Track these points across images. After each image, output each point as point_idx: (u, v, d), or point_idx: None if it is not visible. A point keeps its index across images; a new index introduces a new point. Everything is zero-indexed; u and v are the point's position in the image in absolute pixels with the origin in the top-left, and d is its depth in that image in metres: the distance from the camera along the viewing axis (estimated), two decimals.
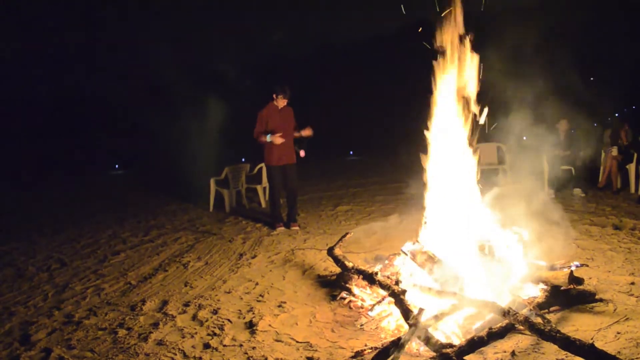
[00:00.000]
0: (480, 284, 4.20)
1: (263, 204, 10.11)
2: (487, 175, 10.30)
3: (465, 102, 4.70)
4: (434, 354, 3.35)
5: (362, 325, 4.16)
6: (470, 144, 4.73)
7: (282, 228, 8.01)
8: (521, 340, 3.65)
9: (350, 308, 4.56)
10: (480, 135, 4.77)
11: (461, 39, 4.63)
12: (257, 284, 5.42)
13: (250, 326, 4.25)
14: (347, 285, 4.85)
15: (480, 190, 4.83)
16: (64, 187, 16.37)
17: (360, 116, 28.75)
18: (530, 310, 3.83)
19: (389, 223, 7.50)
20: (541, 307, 4.01)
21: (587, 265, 5.10)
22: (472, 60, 4.68)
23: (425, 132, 4.87)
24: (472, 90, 4.71)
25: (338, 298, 4.76)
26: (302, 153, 7.86)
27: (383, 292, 4.33)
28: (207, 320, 4.43)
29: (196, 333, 4.17)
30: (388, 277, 4.60)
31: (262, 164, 9.73)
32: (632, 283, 4.70)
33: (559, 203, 8.64)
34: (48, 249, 7.60)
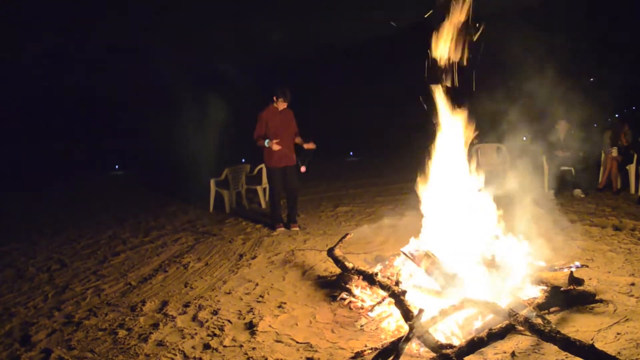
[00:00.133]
0: (480, 285, 4.21)
1: (263, 205, 10.11)
2: (487, 175, 10.30)
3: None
4: (434, 354, 3.35)
5: (362, 326, 4.16)
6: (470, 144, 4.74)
7: (282, 229, 8.01)
8: (521, 341, 3.65)
9: (350, 309, 4.56)
10: (480, 133, 4.77)
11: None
12: (257, 284, 5.42)
13: (251, 327, 4.25)
14: (347, 286, 4.85)
15: (480, 191, 4.83)
16: (64, 187, 16.35)
17: (361, 117, 28.71)
18: (531, 310, 3.83)
19: (389, 224, 7.51)
20: (541, 307, 4.02)
21: (587, 266, 5.11)
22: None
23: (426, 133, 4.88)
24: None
25: (338, 299, 4.76)
26: (302, 169, 7.85)
27: (383, 293, 4.33)
28: (207, 321, 4.43)
29: (196, 334, 4.17)
30: (388, 278, 4.59)
31: (262, 165, 9.72)
32: (632, 284, 4.70)
33: (559, 204, 8.65)
34: (48, 249, 7.59)
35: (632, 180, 9.57)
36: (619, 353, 3.38)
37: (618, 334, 3.71)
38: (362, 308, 4.51)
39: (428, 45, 4.71)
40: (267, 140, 7.58)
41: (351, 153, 23.82)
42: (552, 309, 4.15)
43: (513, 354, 3.47)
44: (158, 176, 16.86)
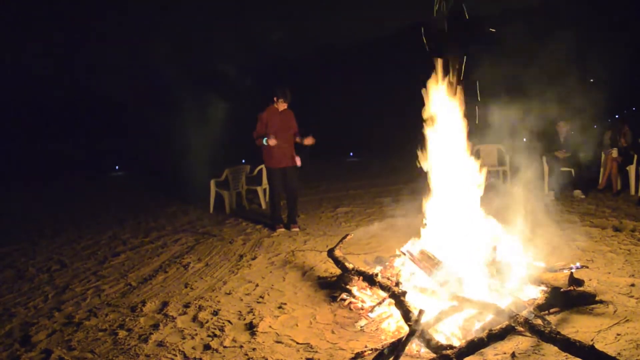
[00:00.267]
0: (480, 285, 4.21)
1: (263, 206, 10.11)
2: (487, 176, 10.30)
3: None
4: (434, 355, 3.35)
5: (362, 326, 4.15)
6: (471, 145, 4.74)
7: (282, 229, 8.01)
8: (521, 342, 3.65)
9: (350, 309, 4.55)
10: (480, 135, 4.78)
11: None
12: (257, 285, 5.42)
13: (251, 327, 4.25)
14: (348, 286, 4.85)
15: (480, 192, 4.83)
16: (65, 188, 16.35)
17: (361, 117, 28.73)
18: (531, 311, 3.83)
19: (390, 224, 7.51)
20: (541, 308, 4.01)
21: (587, 267, 5.10)
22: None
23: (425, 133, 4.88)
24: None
25: (338, 299, 4.76)
26: (298, 161, 7.84)
27: (383, 294, 4.33)
28: (207, 322, 4.42)
29: (196, 334, 4.17)
30: (388, 279, 4.59)
31: (262, 166, 9.72)
32: (632, 285, 4.70)
33: (559, 205, 8.65)
34: (48, 250, 7.59)
35: (632, 181, 9.56)
36: (619, 354, 3.38)
37: (618, 334, 3.70)
38: (362, 309, 4.50)
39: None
40: (265, 138, 7.58)
41: (351, 154, 23.83)
42: (552, 310, 4.14)
43: (513, 355, 3.47)
44: (158, 177, 16.86)
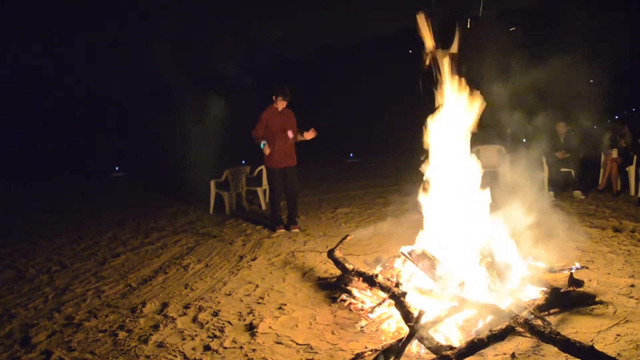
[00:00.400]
0: (480, 286, 4.21)
1: (263, 207, 10.11)
2: (487, 177, 10.30)
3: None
4: (434, 356, 3.35)
5: (362, 327, 4.15)
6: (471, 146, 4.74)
7: (282, 230, 8.01)
8: (521, 343, 3.65)
9: (350, 310, 4.55)
10: (480, 137, 4.78)
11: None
12: (257, 286, 5.42)
13: (251, 328, 4.25)
14: (348, 287, 4.85)
15: (480, 193, 4.83)
16: (64, 188, 16.35)
17: (361, 118, 28.74)
18: (530, 312, 3.83)
19: (389, 225, 7.51)
20: (541, 309, 4.01)
21: (587, 268, 5.10)
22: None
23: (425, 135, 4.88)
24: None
25: (338, 300, 4.76)
26: (310, 134, 7.82)
27: (383, 294, 4.32)
28: (207, 323, 4.42)
29: (196, 335, 4.17)
30: (388, 279, 4.59)
31: (263, 166, 9.73)
32: (632, 285, 4.70)
33: (559, 205, 8.65)
34: (48, 251, 7.59)
35: (631, 181, 9.56)
36: (618, 354, 3.38)
37: (618, 335, 3.70)
38: (362, 309, 4.50)
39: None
40: (262, 143, 7.59)
41: (351, 154, 23.82)
42: (552, 311, 4.14)
43: (513, 356, 3.47)
44: (158, 178, 16.86)
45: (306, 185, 12.50)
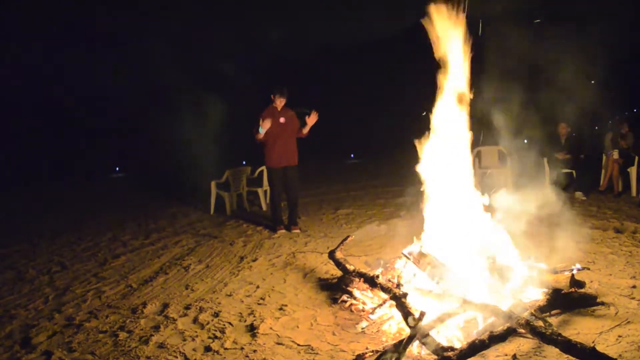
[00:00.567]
0: (481, 287, 4.20)
1: (264, 207, 10.10)
2: (489, 178, 10.30)
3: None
4: (435, 357, 3.35)
5: (363, 328, 4.15)
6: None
7: (283, 231, 8.00)
8: (522, 344, 3.64)
9: (351, 311, 4.54)
10: (482, 137, 4.78)
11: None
12: (258, 287, 5.41)
13: (251, 329, 4.25)
14: (348, 288, 4.84)
15: (481, 194, 4.83)
16: (65, 189, 16.36)
17: (362, 118, 28.72)
18: (532, 313, 3.81)
19: (390, 226, 7.50)
20: (542, 310, 4.00)
21: (589, 269, 5.10)
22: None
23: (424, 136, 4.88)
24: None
25: (339, 301, 4.75)
26: (313, 117, 7.75)
27: (384, 295, 4.31)
28: (208, 323, 4.42)
29: (197, 336, 4.17)
30: (389, 280, 4.58)
31: (263, 167, 9.73)
32: (634, 286, 4.68)
33: (560, 206, 8.63)
34: (48, 251, 7.60)
35: (633, 182, 9.55)
36: (620, 356, 3.37)
37: (619, 336, 3.69)
38: (363, 310, 4.49)
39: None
40: (260, 128, 7.57)
41: (352, 155, 23.81)
42: (553, 312, 4.13)
43: (514, 357, 3.46)
44: (158, 178, 16.86)
45: (307, 186, 12.49)
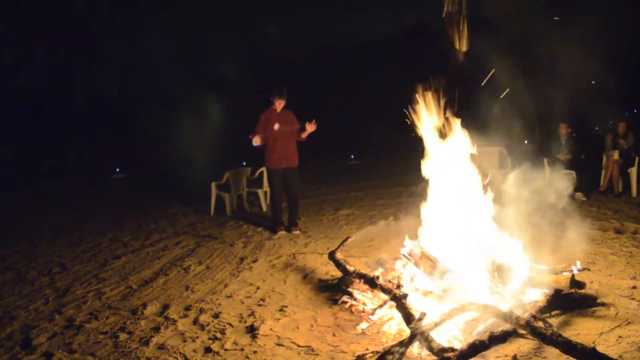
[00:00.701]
0: (481, 288, 4.19)
1: (264, 208, 10.09)
2: (489, 178, 10.27)
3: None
4: (436, 358, 3.35)
5: (363, 329, 4.15)
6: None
7: (283, 232, 8.00)
8: (523, 345, 3.64)
9: (351, 312, 4.54)
10: (481, 138, 4.78)
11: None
12: (258, 288, 5.41)
13: (252, 330, 4.25)
14: (349, 289, 4.84)
15: (481, 194, 4.82)
16: (65, 190, 16.34)
17: (362, 119, 28.73)
18: (532, 314, 3.80)
19: (391, 227, 7.49)
20: (543, 311, 4.01)
21: (589, 269, 5.10)
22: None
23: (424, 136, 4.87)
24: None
25: (339, 302, 4.75)
26: (311, 127, 7.73)
27: (384, 296, 4.32)
28: (208, 325, 4.42)
29: (197, 337, 4.17)
30: (389, 281, 4.59)
31: (263, 168, 9.72)
32: (634, 287, 4.69)
33: (560, 207, 8.62)
34: (49, 252, 7.59)
35: (633, 183, 9.55)
36: (620, 356, 3.37)
37: (620, 337, 3.69)
38: (363, 311, 4.49)
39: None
40: (253, 138, 7.58)
41: (352, 156, 23.78)
42: (553, 312, 4.13)
43: (515, 358, 3.46)
44: (159, 179, 16.85)
45: (307, 187, 12.47)
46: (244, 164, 11.67)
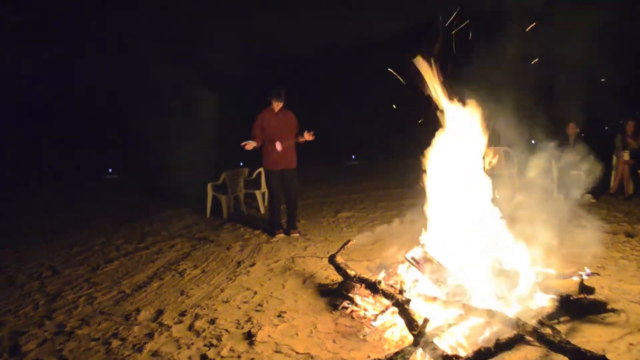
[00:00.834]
0: (487, 293, 4.11)
1: (262, 210, 10.06)
2: (495, 180, 10.19)
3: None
4: None
5: (364, 335, 4.07)
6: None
7: (282, 235, 7.92)
8: (530, 352, 3.56)
9: (352, 318, 4.46)
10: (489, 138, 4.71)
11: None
12: (255, 293, 5.33)
13: (249, 337, 4.16)
14: (349, 294, 4.77)
15: (487, 196, 4.74)
16: (56, 192, 16.34)
17: (363, 119, 28.77)
18: (539, 320, 3.74)
19: (392, 230, 7.43)
20: (550, 317, 3.94)
21: (598, 274, 5.01)
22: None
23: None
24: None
25: (340, 308, 4.67)
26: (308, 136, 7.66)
27: (386, 302, 4.25)
28: (204, 331, 4.34)
29: (193, 344, 4.09)
30: (392, 286, 4.51)
31: (261, 169, 9.67)
32: None
33: (569, 209, 8.53)
34: (39, 256, 7.49)
35: None
36: None
37: (631, 344, 3.62)
38: (364, 317, 4.42)
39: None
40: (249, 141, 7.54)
41: (353, 157, 23.82)
42: (561, 319, 4.05)
43: None
44: (153, 180, 16.81)
45: (306, 188, 12.48)
46: (241, 164, 11.60)
